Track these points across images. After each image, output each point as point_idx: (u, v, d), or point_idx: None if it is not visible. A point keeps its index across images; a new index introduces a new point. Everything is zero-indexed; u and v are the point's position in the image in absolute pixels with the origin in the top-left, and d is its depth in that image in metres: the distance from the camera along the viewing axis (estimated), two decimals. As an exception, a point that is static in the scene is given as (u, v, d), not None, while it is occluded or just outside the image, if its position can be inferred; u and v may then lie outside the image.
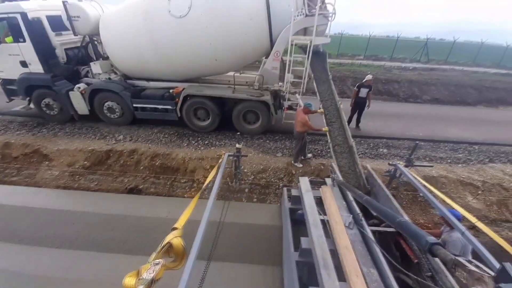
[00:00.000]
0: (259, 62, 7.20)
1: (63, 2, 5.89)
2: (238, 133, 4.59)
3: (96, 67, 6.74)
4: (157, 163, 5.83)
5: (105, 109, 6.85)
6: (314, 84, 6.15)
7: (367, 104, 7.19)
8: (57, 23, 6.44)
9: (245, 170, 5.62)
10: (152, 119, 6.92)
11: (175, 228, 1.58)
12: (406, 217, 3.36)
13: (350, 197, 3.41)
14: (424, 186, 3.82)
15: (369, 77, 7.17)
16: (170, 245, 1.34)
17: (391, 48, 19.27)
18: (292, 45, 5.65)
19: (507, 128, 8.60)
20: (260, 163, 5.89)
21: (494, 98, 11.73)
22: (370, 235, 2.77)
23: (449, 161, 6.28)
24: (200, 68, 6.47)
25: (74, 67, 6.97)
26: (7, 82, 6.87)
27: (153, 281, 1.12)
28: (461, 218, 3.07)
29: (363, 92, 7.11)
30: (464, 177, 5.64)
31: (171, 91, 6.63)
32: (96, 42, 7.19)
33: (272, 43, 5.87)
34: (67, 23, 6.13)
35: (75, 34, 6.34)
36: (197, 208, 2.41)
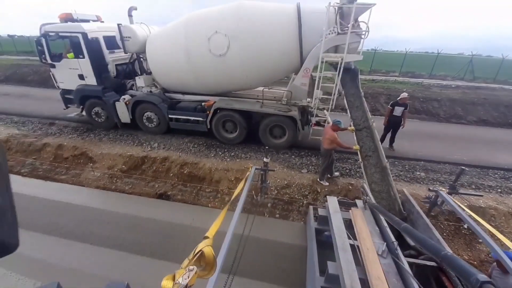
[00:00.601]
0: (288, 78, 7.32)
1: (118, 25, 6.73)
2: (267, 147, 4.63)
3: (140, 81, 7.47)
4: (185, 171, 6.10)
5: (145, 118, 7.48)
6: (345, 101, 6.03)
7: (402, 123, 6.79)
8: (111, 42, 7.36)
9: (269, 184, 5.60)
10: (184, 129, 7.35)
11: (206, 237, 1.64)
12: (449, 250, 3.03)
13: (384, 223, 3.19)
14: (471, 217, 3.42)
15: (404, 95, 6.81)
16: (201, 254, 1.40)
17: (430, 65, 18.20)
18: (322, 62, 5.67)
19: None
20: (284, 178, 5.83)
21: (555, 121, 10.25)
22: (407, 267, 2.55)
23: (499, 190, 5.55)
24: (232, 85, 6.83)
25: (121, 80, 7.81)
26: (65, 92, 7.90)
27: (187, 286, 1.17)
28: None
29: (398, 110, 6.74)
30: (519, 210, 4.92)
31: (203, 104, 7.03)
32: (142, 59, 8.00)
33: (302, 60, 5.97)
34: (119, 43, 6.96)
35: (125, 52, 7.16)
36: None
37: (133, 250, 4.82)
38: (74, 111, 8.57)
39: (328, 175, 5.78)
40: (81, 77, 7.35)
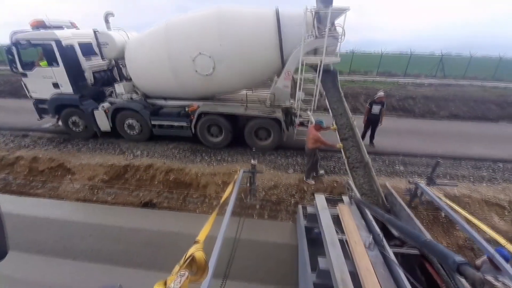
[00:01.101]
0: (271, 81, 7.45)
1: (94, 31, 6.54)
2: (253, 149, 4.67)
3: (119, 87, 7.27)
4: (171, 178, 5.99)
5: (126, 126, 7.27)
6: (326, 101, 6.22)
7: (380, 120, 7.10)
8: (87, 49, 7.12)
9: (258, 186, 5.63)
10: (168, 135, 7.22)
11: (197, 242, 1.63)
12: (430, 237, 3.19)
13: (370, 216, 3.30)
14: (450, 206, 3.62)
15: (380, 94, 7.14)
16: (192, 258, 1.39)
17: (405, 65, 19.19)
18: (303, 64, 5.84)
19: (535, 145, 8.07)
20: (271, 179, 5.89)
21: (518, 113, 11.15)
22: (393, 257, 2.65)
23: (472, 179, 5.95)
24: (216, 89, 6.84)
25: (100, 88, 7.56)
26: (39, 101, 7.52)
27: None
28: (509, 258, 2.77)
29: (376, 109, 7.05)
30: (489, 196, 5.30)
31: (186, 109, 6.96)
32: (120, 66, 7.80)
33: (283, 63, 6.11)
34: (96, 49, 6.76)
35: (103, 58, 6.95)
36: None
37: (120, 262, 4.65)
38: (49, 122, 8.16)
39: (314, 174, 5.91)
40: (56, 85, 7.03)
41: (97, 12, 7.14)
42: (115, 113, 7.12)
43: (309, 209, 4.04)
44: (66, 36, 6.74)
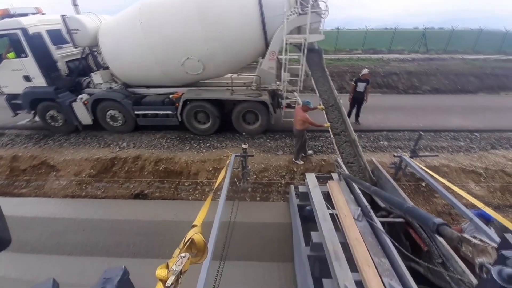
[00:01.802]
0: (256, 63, 7.30)
1: (62, 16, 6.05)
2: (244, 134, 4.68)
3: (97, 77, 6.89)
4: (161, 168, 5.95)
5: (108, 118, 7.00)
6: (312, 81, 6.20)
7: (365, 98, 7.21)
8: (57, 37, 6.61)
9: (250, 170, 5.70)
10: (154, 125, 7.05)
11: (194, 226, 1.68)
12: (411, 204, 3.39)
13: (357, 190, 3.46)
14: (431, 176, 3.84)
15: (365, 71, 7.18)
16: (191, 241, 1.44)
17: (389, 41, 19.16)
18: (287, 44, 5.72)
19: (509, 114, 8.52)
20: (261, 162, 5.97)
21: (495, 84, 11.61)
22: (380, 226, 2.81)
23: (450, 150, 6.28)
24: (200, 75, 6.59)
25: (76, 78, 7.13)
26: (11, 97, 7.06)
27: (181, 272, 1.20)
28: (491, 219, 2.98)
29: (361, 86, 7.12)
30: (466, 165, 5.64)
31: (170, 96, 6.75)
32: (96, 53, 7.35)
33: (267, 43, 5.95)
34: (67, 36, 6.29)
35: (75, 46, 6.51)
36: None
37: (116, 253, 4.70)
38: (25, 118, 7.74)
39: (303, 154, 6.03)
40: (27, 78, 6.59)
41: (63, -2, 6.56)
42: (95, 105, 6.82)
43: (301, 188, 4.17)
44: (32, 23, 6.23)
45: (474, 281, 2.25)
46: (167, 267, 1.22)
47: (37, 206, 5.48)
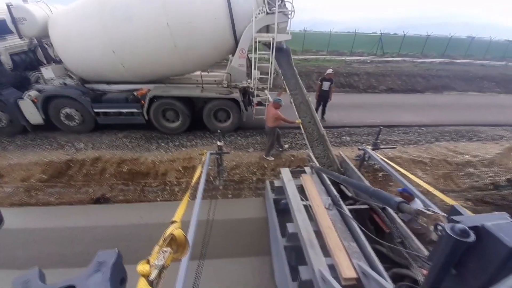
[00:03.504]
0: (227, 61, 7.27)
1: (7, 5, 5.38)
2: (218, 131, 4.66)
3: (48, 72, 6.23)
4: (124, 170, 5.61)
5: (63, 116, 6.37)
6: (282, 80, 6.39)
7: (329, 96, 7.65)
8: (0, 27, 5.86)
9: (226, 167, 5.67)
10: (117, 124, 6.60)
11: (174, 221, 1.64)
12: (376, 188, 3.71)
13: (328, 182, 3.70)
14: (391, 166, 4.24)
15: (329, 71, 7.64)
16: (172, 237, 1.41)
17: (351, 44, 20.54)
18: (256, 42, 5.81)
19: (449, 111, 9.77)
20: (232, 160, 5.99)
21: (439, 85, 13.15)
22: (348, 213, 3.05)
23: (402, 143, 6.99)
24: (165, 69, 6.34)
25: (22, 73, 6.36)
26: None
27: (163, 267, 1.17)
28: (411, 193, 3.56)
29: (326, 85, 7.55)
30: (415, 156, 6.34)
31: (135, 93, 6.39)
32: (45, 45, 6.62)
33: (236, 41, 5.98)
34: (11, 26, 5.61)
35: (21, 37, 5.84)
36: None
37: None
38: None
39: (280, 149, 6.22)
40: None
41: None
42: (47, 102, 6.16)
43: (276, 183, 4.31)
44: None
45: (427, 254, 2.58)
46: (148, 262, 1.19)
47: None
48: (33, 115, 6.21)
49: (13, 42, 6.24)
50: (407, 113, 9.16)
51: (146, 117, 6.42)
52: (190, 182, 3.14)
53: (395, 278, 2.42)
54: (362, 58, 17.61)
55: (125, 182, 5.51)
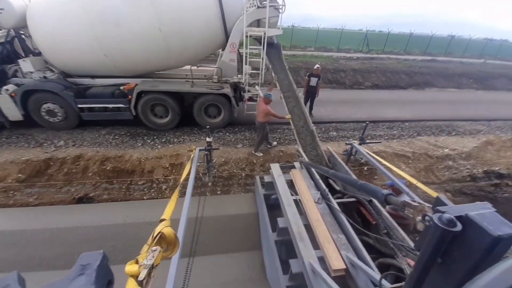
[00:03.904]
0: (215, 56, 7.14)
1: None
2: (208, 127, 4.59)
3: (26, 64, 5.86)
4: (108, 168, 5.41)
5: (43, 112, 6.03)
6: (273, 74, 6.36)
7: (316, 92, 7.73)
8: None
9: (215, 163, 5.61)
10: (100, 120, 6.34)
11: (163, 219, 1.61)
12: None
13: (317, 176, 3.76)
14: (377, 160, 4.35)
15: (316, 66, 7.70)
16: (161, 235, 1.37)
17: (338, 40, 20.80)
18: (247, 36, 5.74)
19: (430, 106, 10.19)
20: (221, 156, 5.93)
21: (421, 81, 13.65)
22: (336, 206, 3.12)
23: (386, 137, 7.21)
24: (153, 62, 6.14)
25: None
26: None
27: (153, 266, 1.14)
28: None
29: (313, 81, 7.62)
30: (398, 150, 6.56)
31: (121, 88, 6.15)
32: (24, 36, 6.22)
33: (227, 35, 5.88)
34: None
35: None
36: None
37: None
38: None
39: (268, 146, 6.21)
40: None
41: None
42: (26, 97, 5.80)
43: (266, 178, 4.32)
44: None
45: (412, 244, 2.68)
46: (137, 262, 1.16)
47: None
48: (11, 111, 5.83)
49: None
50: (391, 108, 9.45)
51: (133, 112, 6.21)
52: (178, 179, 3.11)
53: (382, 268, 2.51)
54: (348, 55, 17.89)
55: (109, 180, 5.32)
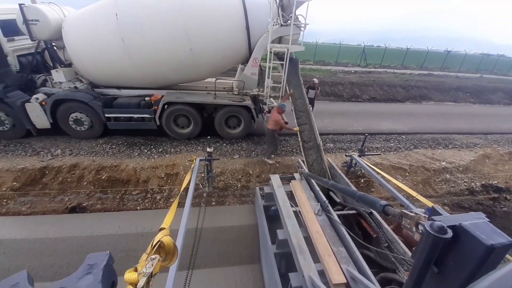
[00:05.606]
0: (231, 70, 7.38)
1: (20, 5, 5.20)
2: (209, 137, 4.63)
3: (59, 75, 6.01)
4: (103, 177, 5.39)
5: (71, 121, 6.12)
6: (287, 87, 6.50)
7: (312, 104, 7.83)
8: (9, 27, 5.64)
9: (203, 175, 5.60)
10: (126, 129, 6.46)
11: (162, 228, 1.60)
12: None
13: (317, 188, 3.74)
14: (377, 172, 4.32)
15: (315, 80, 7.89)
16: (160, 244, 1.37)
17: (336, 54, 21.31)
18: (270, 52, 5.92)
19: (427, 119, 10.26)
20: (217, 166, 5.92)
21: (418, 95, 13.82)
22: (337, 218, 3.09)
23: (383, 150, 7.22)
24: (180, 75, 6.38)
25: (28, 75, 6.09)
26: None
27: (152, 275, 1.13)
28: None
29: (311, 93, 7.77)
30: (395, 162, 6.55)
31: (147, 99, 6.29)
32: (55, 48, 6.41)
33: (250, 50, 6.14)
34: (23, 27, 5.42)
35: (32, 39, 5.64)
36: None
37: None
38: None
39: (273, 155, 6.27)
40: None
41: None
42: (55, 106, 5.90)
43: (266, 189, 4.31)
44: None
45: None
46: (136, 270, 1.16)
47: None
48: (40, 119, 5.92)
49: (22, 43, 6.01)
50: (388, 121, 9.51)
51: (158, 122, 6.34)
52: (173, 190, 3.08)
53: (383, 282, 2.44)
54: (346, 68, 18.26)
55: (103, 190, 5.29)
